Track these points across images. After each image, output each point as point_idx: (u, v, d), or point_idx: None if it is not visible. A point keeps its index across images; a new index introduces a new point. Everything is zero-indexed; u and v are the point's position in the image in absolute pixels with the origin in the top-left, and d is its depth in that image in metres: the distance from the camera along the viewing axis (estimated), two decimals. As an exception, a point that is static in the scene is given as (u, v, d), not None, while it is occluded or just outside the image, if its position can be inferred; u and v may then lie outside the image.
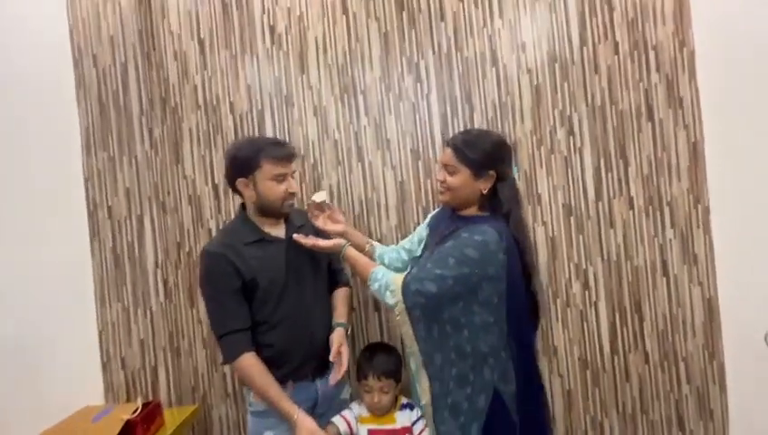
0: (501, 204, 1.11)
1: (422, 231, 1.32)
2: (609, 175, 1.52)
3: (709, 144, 1.48)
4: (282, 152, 1.16)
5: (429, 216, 1.34)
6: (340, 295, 1.33)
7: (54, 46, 1.57)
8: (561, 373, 1.55)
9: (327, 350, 1.23)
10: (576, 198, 1.52)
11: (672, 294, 1.51)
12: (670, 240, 1.51)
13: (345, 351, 1.20)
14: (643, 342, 1.53)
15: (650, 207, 1.51)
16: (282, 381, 1.14)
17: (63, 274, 1.53)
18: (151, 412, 1.36)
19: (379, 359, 1.22)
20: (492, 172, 1.10)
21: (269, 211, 1.19)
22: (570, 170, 1.52)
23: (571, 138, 1.52)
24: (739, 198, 1.43)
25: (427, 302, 1.05)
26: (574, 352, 1.54)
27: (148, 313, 1.61)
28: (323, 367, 1.22)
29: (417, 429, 1.20)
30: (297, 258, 1.22)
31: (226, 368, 1.60)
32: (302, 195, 1.57)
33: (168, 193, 1.61)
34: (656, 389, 1.53)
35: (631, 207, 1.51)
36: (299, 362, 1.18)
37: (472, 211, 1.15)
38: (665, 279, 1.51)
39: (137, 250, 1.61)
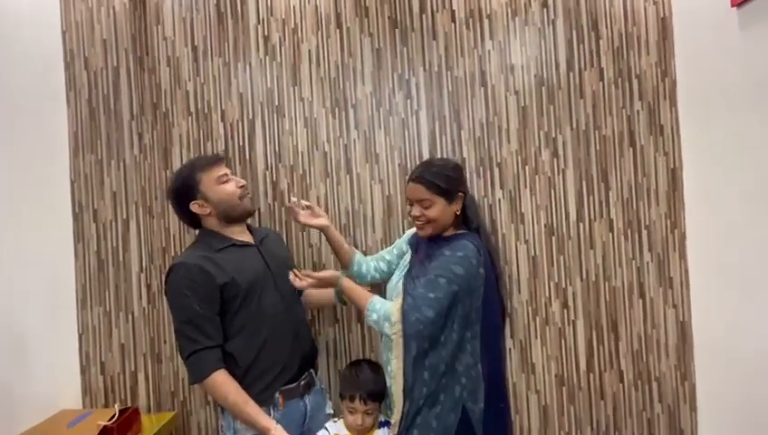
0: (470, 219, 1.21)
1: (402, 245, 1.37)
2: (591, 198, 1.56)
3: (687, 171, 1.53)
4: (208, 159, 1.24)
5: (409, 233, 1.38)
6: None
7: (46, 48, 1.56)
8: (537, 389, 1.58)
9: (313, 349, 1.30)
10: (558, 219, 1.56)
11: (647, 316, 1.56)
12: (647, 263, 1.55)
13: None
14: (618, 361, 1.56)
15: (629, 231, 1.55)
16: (269, 389, 1.15)
17: (46, 275, 1.52)
18: (129, 418, 1.35)
19: (366, 380, 1.18)
20: (460, 193, 1.19)
21: (233, 213, 1.22)
22: (553, 191, 1.56)
23: (555, 159, 1.56)
24: (714, 224, 1.48)
25: (425, 328, 1.08)
26: (551, 368, 1.57)
27: (130, 317, 1.60)
28: (311, 379, 1.26)
29: (392, 446, 1.21)
30: (272, 259, 1.25)
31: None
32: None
33: (156, 198, 1.61)
34: (629, 407, 1.56)
35: (611, 229, 1.55)
36: (286, 361, 1.19)
37: (450, 232, 1.21)
38: (641, 301, 1.56)
39: (121, 254, 1.60)
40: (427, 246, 1.20)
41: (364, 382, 1.17)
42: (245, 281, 1.15)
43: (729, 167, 1.47)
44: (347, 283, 1.20)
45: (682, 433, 1.55)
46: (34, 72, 1.50)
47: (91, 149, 1.60)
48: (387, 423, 1.24)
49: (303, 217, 1.37)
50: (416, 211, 1.17)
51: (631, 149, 1.55)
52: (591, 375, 1.57)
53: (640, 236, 1.55)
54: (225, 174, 1.22)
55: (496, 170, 1.57)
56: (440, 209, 1.15)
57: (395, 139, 1.59)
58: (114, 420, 1.29)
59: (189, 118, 1.61)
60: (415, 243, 1.29)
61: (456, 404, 1.08)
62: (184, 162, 1.49)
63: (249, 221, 1.34)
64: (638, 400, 1.56)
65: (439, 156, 1.57)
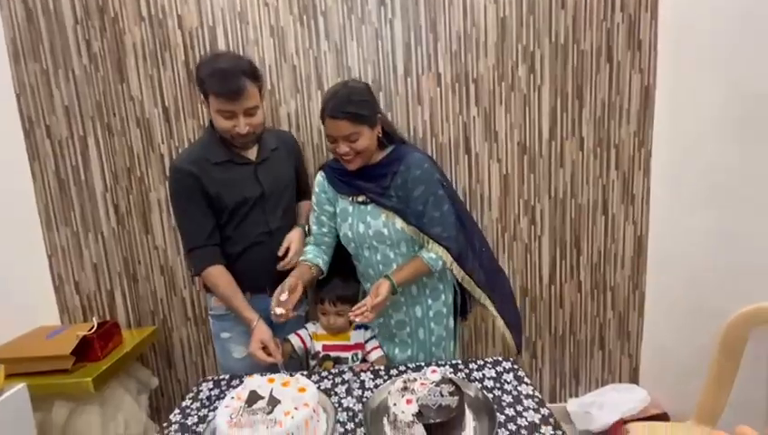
0: (392, 135, 1.21)
1: (326, 206, 1.26)
2: (564, 115, 1.55)
3: (660, 89, 1.53)
4: (223, 89, 1.08)
5: (319, 184, 1.26)
6: (305, 206, 1.36)
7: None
8: (503, 300, 1.68)
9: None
10: (531, 138, 1.56)
11: (609, 231, 1.64)
12: (613, 181, 1.60)
13: (294, 248, 1.22)
14: (578, 273, 1.67)
15: (598, 149, 1.58)
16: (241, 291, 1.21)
17: (3, 196, 1.45)
18: (109, 330, 1.39)
19: (335, 285, 1.26)
20: (379, 115, 1.17)
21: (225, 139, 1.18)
22: (527, 109, 1.55)
23: (532, 75, 1.52)
24: (679, 143, 1.51)
25: (458, 244, 1.15)
26: (517, 282, 1.67)
27: (100, 238, 1.58)
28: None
29: (369, 346, 1.30)
30: (267, 180, 1.23)
31: (185, 293, 1.63)
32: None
33: (114, 114, 1.51)
34: (584, 314, 1.70)
35: (581, 148, 1.58)
36: (258, 276, 1.24)
37: (378, 155, 1.19)
38: (603, 217, 1.63)
39: (82, 173, 1.54)
40: (369, 174, 1.16)
41: (332, 287, 1.25)
42: (232, 201, 1.19)
43: (700, 84, 1.47)
44: (399, 278, 1.13)
45: (629, 336, 1.72)
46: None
47: (34, 57, 1.46)
48: (363, 326, 1.32)
49: (284, 317, 1.10)
50: (343, 148, 1.10)
51: (608, 64, 1.52)
52: (553, 287, 1.68)
53: (608, 155, 1.58)
54: (231, 112, 1.10)
55: (472, 87, 1.53)
56: (368, 138, 1.12)
57: (368, 51, 1.50)
58: (93, 331, 1.32)
59: (142, 24, 1.47)
60: (335, 180, 1.21)
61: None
62: (215, 52, 1.32)
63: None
64: (593, 307, 1.70)
65: (415, 71, 1.51)
